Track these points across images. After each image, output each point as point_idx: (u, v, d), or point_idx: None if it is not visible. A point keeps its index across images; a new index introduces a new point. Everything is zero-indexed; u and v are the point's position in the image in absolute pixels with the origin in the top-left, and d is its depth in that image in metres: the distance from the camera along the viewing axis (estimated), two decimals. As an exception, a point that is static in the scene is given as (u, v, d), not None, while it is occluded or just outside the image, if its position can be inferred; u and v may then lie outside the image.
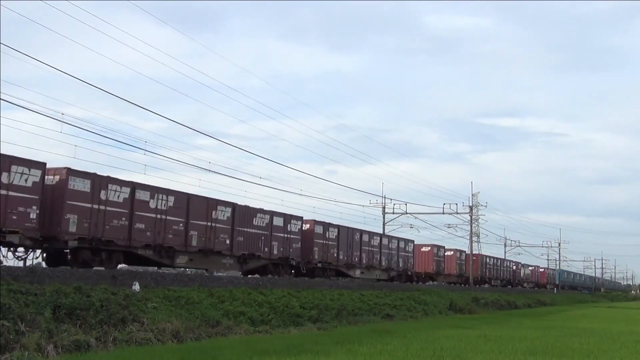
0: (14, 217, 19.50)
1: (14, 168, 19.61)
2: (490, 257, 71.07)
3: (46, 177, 20.91)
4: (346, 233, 39.55)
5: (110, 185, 22.85)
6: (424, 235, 58.86)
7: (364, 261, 41.48)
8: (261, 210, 31.59)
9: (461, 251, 60.34)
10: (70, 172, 21.61)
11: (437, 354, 14.57)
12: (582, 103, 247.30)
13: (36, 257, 21.93)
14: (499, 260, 73.13)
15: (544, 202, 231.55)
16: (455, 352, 15.01)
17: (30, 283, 16.20)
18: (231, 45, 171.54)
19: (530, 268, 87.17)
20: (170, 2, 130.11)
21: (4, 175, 19.39)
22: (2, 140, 24.25)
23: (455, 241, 75.92)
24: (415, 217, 57.95)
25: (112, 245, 23.04)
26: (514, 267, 78.98)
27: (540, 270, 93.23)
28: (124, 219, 23.29)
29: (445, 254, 56.91)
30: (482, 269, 65.25)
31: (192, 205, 26.62)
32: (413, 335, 19.40)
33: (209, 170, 30.37)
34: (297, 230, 34.19)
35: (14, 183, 19.57)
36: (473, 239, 62.71)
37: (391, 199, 57.11)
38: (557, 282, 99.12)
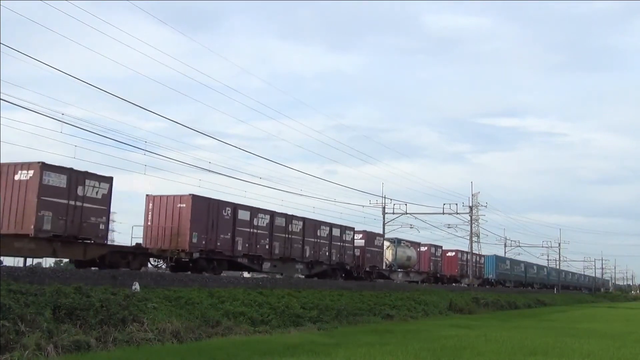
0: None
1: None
2: (271, 213, 31.97)
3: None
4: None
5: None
6: (424, 236, 58.15)
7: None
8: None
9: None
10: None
11: (437, 354, 14.58)
12: (582, 103, 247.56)
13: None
14: (309, 223, 35.00)
15: (544, 202, 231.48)
16: (455, 352, 15.02)
17: (30, 283, 16.20)
18: (231, 45, 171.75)
19: (423, 248, 53.58)
20: (169, 2, 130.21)
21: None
22: (2, 141, 24.36)
23: (455, 241, 74.86)
24: (415, 217, 57.72)
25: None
26: (361, 242, 41.68)
27: (449, 254, 58.98)
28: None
29: None
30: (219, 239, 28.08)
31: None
32: (413, 335, 19.41)
33: (209, 170, 30.38)
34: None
35: None
36: (473, 239, 62.63)
37: (391, 199, 56.59)
38: (491, 276, 67.42)
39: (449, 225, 60.89)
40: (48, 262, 32.37)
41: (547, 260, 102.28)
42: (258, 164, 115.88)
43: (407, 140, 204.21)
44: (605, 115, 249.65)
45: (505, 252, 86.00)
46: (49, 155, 44.61)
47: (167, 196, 27.07)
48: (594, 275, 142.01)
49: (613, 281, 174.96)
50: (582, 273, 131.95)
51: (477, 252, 73.25)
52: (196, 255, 26.75)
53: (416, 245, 52.76)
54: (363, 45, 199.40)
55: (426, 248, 54.40)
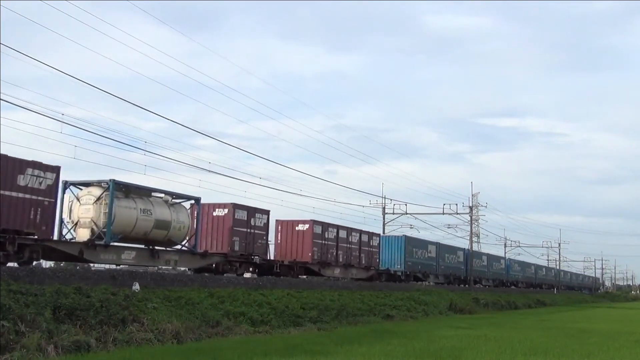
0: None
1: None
2: None
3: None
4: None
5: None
6: (424, 236, 57.60)
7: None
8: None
9: None
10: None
11: (437, 354, 14.58)
12: (582, 103, 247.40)
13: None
14: None
15: (544, 202, 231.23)
16: (455, 352, 15.01)
17: (30, 283, 16.20)
18: (231, 45, 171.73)
19: (221, 212, 29.82)
20: (169, 2, 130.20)
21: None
22: (2, 141, 24.31)
23: (455, 241, 73.91)
24: (415, 217, 57.66)
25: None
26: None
27: (298, 228, 35.29)
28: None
29: None
30: None
31: None
32: (413, 335, 19.40)
33: (209, 171, 30.14)
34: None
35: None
36: (473, 239, 62.59)
37: (391, 199, 56.15)
38: (397, 267, 45.82)
39: (449, 225, 60.72)
40: (48, 262, 32.33)
41: (547, 260, 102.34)
42: (258, 164, 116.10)
43: (407, 140, 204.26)
44: (605, 115, 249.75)
45: (505, 252, 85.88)
46: (49, 156, 44.52)
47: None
48: (594, 275, 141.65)
49: (613, 281, 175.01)
50: (580, 272, 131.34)
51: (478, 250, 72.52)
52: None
53: (192, 203, 28.21)
54: (363, 45, 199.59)
55: (226, 210, 29.92)
